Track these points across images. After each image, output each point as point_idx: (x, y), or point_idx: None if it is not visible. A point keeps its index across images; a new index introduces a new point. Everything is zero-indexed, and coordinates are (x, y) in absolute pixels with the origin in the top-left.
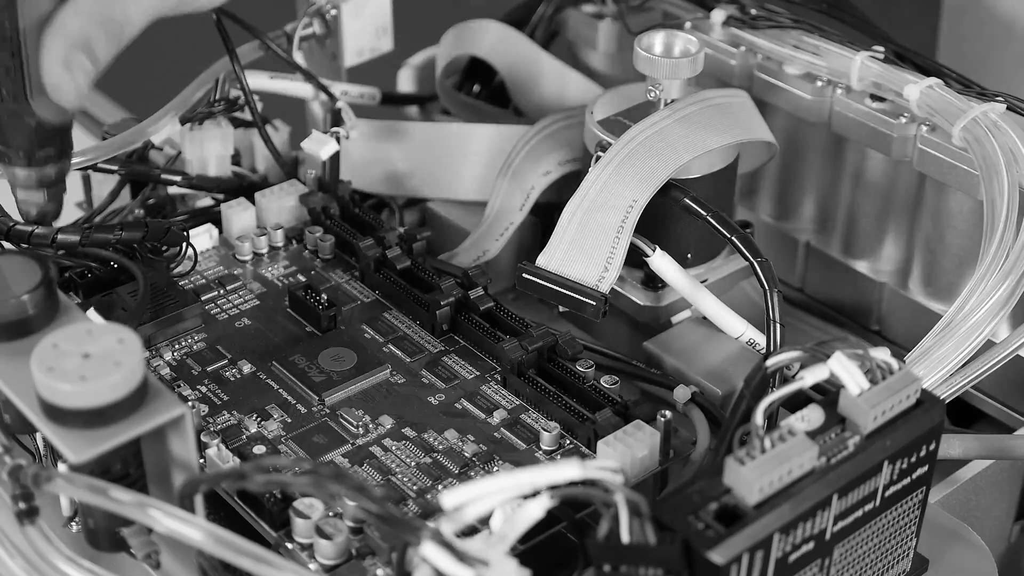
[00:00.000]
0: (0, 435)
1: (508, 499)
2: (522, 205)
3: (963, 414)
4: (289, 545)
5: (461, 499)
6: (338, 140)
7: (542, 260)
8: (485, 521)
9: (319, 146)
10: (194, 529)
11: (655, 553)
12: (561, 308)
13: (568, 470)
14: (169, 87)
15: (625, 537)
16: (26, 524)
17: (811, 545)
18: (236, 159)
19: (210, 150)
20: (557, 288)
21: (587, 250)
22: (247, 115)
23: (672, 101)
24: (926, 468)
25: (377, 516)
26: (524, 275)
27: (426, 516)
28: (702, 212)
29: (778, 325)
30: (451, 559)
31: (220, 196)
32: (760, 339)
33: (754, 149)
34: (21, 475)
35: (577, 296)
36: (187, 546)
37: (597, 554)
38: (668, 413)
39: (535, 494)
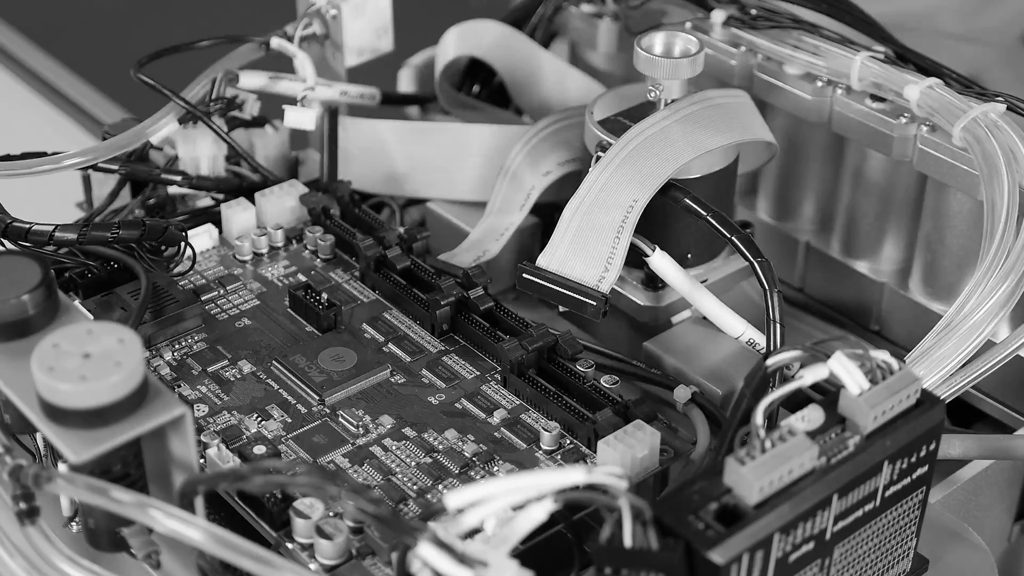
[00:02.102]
0: (1, 435)
1: (512, 502)
2: (522, 205)
3: (963, 414)
4: (289, 545)
5: (465, 501)
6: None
7: (542, 260)
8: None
9: (301, 117)
10: (194, 529)
11: (656, 558)
12: (561, 308)
13: (574, 475)
14: (169, 87)
15: (628, 541)
16: (27, 524)
17: (811, 545)
18: (237, 159)
19: (202, 149)
20: (557, 288)
21: (587, 250)
22: (245, 115)
23: (672, 101)
24: (926, 468)
25: (374, 518)
26: (524, 275)
27: (429, 517)
28: (702, 212)
29: (778, 325)
30: (449, 560)
31: (220, 196)
32: (760, 339)
33: (754, 149)
34: (22, 475)
35: (577, 296)
36: (187, 546)
37: (599, 557)
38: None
39: (538, 497)
